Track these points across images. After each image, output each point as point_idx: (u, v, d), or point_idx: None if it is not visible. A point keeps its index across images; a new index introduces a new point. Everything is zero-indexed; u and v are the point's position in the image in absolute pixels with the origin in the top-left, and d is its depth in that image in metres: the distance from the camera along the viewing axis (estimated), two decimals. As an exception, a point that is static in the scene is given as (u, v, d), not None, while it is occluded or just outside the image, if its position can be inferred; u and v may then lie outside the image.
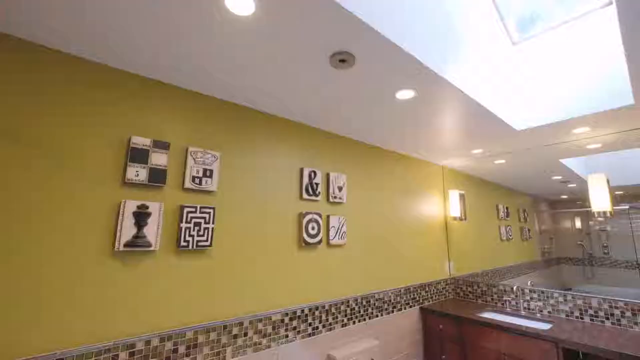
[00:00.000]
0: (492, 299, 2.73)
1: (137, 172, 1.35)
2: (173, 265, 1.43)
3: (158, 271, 1.38)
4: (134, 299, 1.31)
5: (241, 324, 1.59)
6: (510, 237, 2.87)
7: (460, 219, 3.04)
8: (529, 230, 2.80)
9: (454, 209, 3.07)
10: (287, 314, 1.78)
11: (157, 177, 1.40)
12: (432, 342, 2.55)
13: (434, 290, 2.85)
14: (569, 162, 2.56)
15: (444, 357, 2.44)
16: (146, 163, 1.37)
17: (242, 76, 1.47)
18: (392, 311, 2.41)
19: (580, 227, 2.47)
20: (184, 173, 1.50)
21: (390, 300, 2.41)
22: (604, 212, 2.15)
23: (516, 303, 2.57)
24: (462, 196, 3.08)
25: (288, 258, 1.85)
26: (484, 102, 1.77)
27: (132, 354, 1.28)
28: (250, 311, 1.64)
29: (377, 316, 2.28)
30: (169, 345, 1.37)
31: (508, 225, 2.90)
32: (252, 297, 1.66)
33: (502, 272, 2.81)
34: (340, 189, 2.16)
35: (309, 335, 1.86)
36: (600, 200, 2.17)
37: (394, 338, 2.37)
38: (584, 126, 2.05)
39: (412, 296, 2.61)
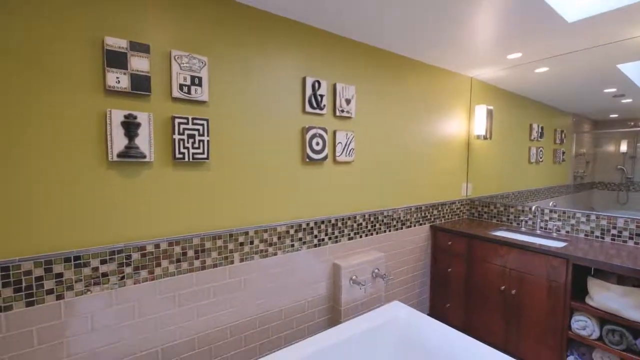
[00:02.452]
0: (508, 219, 2.66)
1: (118, 79, 1.25)
2: (171, 177, 1.43)
3: (156, 182, 1.40)
4: (135, 208, 1.36)
5: (246, 233, 1.66)
6: (541, 160, 2.64)
7: (485, 138, 2.80)
8: (563, 152, 2.53)
9: (479, 126, 2.80)
10: (292, 226, 1.82)
11: (141, 84, 1.30)
12: (439, 257, 2.62)
13: (447, 210, 2.81)
14: (629, 69, 2.13)
15: (450, 269, 2.52)
16: (126, 68, 1.26)
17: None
18: (401, 228, 2.43)
19: (625, 151, 2.19)
20: (170, 81, 1.39)
21: (399, 218, 2.41)
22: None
23: (533, 223, 2.49)
24: (490, 112, 2.77)
25: (291, 174, 1.81)
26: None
27: (143, 255, 1.38)
28: (254, 222, 1.69)
29: (384, 232, 2.32)
30: (177, 249, 1.46)
31: (540, 147, 2.63)
32: (255, 209, 1.69)
33: (525, 195, 2.67)
34: (348, 101, 1.97)
35: (315, 246, 1.93)
36: (657, 110, 1.83)
37: (400, 252, 2.45)
38: (661, 12, 1.61)
39: (423, 215, 2.59)
